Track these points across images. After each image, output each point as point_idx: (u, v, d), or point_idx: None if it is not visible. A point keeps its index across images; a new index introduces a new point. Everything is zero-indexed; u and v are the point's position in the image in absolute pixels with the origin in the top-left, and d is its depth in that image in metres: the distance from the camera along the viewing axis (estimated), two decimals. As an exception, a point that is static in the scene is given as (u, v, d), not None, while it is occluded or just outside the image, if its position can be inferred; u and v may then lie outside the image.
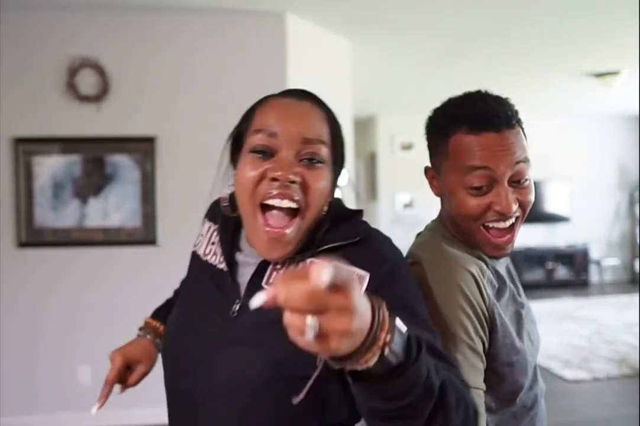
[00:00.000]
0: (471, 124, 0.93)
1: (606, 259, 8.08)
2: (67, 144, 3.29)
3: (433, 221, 1.14)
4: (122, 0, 3.20)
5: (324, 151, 0.83)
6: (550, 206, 8.08)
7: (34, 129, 3.28)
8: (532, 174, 0.98)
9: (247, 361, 0.79)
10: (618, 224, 8.34)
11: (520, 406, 1.00)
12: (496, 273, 1.01)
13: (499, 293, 0.99)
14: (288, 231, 0.81)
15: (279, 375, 0.76)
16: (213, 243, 0.95)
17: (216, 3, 3.26)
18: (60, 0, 3.18)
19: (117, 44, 3.33)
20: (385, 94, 6.41)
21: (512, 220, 0.96)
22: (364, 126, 8.09)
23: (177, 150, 3.37)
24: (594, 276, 8.13)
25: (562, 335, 5.22)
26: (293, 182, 0.79)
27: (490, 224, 0.95)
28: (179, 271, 3.39)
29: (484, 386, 0.91)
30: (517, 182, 0.94)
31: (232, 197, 0.93)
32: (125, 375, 1.07)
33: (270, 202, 0.81)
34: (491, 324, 0.93)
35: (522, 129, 0.97)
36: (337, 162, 0.88)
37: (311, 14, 3.49)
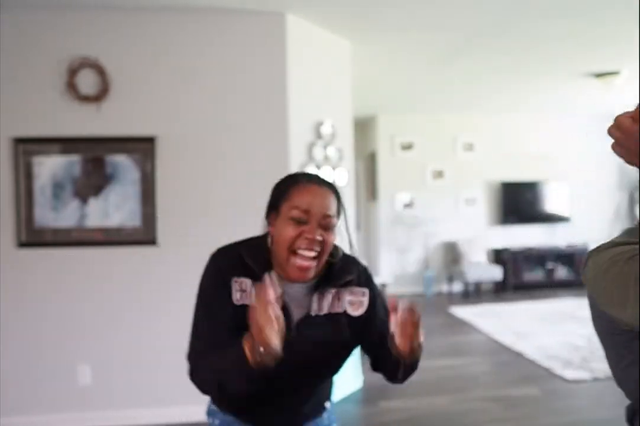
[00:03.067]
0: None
1: (606, 259, 8.07)
2: (67, 144, 3.28)
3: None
4: (122, 0, 3.20)
5: (334, 221, 1.30)
6: (550, 206, 8.08)
7: (34, 129, 3.28)
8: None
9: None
10: (618, 224, 8.34)
11: None
12: None
13: None
14: (311, 266, 1.28)
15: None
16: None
17: (216, 3, 3.26)
18: (60, 0, 3.18)
19: (117, 44, 3.33)
20: (385, 94, 6.41)
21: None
22: (364, 126, 8.09)
23: (177, 150, 3.37)
24: (594, 276, 8.12)
25: (562, 335, 5.22)
26: (318, 240, 1.26)
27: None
28: (179, 270, 3.43)
29: None
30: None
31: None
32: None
33: (301, 252, 1.26)
34: None
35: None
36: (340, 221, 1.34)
37: (311, 14, 3.49)
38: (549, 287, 7.85)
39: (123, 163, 3.31)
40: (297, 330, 1.30)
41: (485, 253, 7.76)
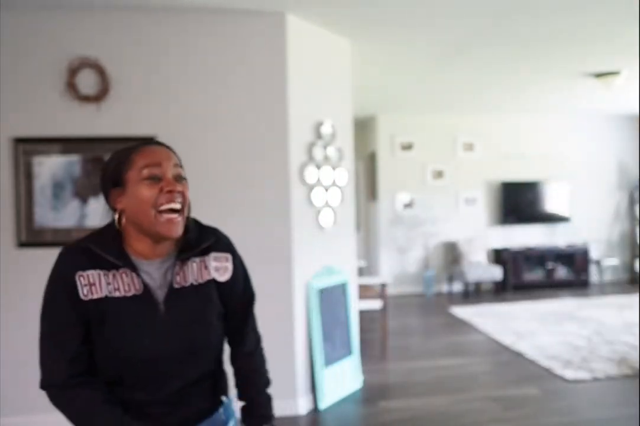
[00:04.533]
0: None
1: (606, 259, 8.09)
2: (67, 144, 3.29)
3: None
4: (122, 0, 3.20)
5: (184, 172, 1.32)
6: (550, 206, 8.08)
7: (34, 129, 3.28)
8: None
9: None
10: (618, 224, 8.35)
11: None
12: None
13: None
14: (179, 219, 1.26)
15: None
16: (109, 283, 1.25)
17: (216, 3, 3.26)
18: (60, 0, 3.18)
19: (117, 44, 3.33)
20: (385, 94, 6.41)
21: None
22: (364, 126, 8.09)
23: (176, 150, 3.36)
24: (594, 276, 8.13)
25: (562, 335, 5.22)
26: (179, 191, 1.26)
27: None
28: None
29: None
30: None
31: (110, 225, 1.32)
32: None
33: (166, 206, 1.24)
34: None
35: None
36: None
37: (311, 14, 3.49)
38: (549, 287, 7.85)
39: (123, 163, 3.31)
40: (165, 307, 1.27)
41: (485, 253, 7.76)
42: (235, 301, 1.40)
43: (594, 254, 8.13)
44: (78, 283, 1.23)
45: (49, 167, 3.27)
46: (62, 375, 1.25)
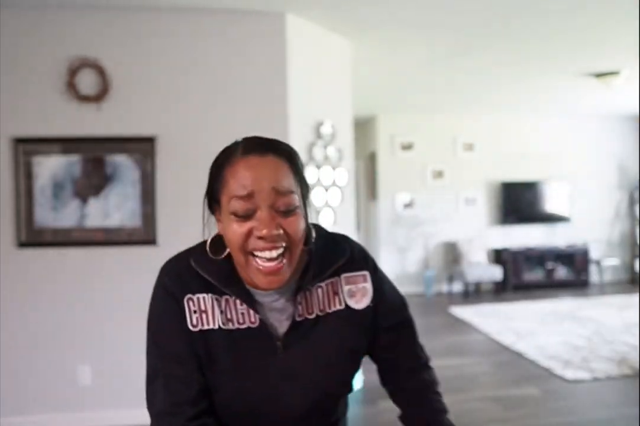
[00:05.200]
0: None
1: (606, 259, 8.09)
2: (67, 144, 3.29)
3: None
4: (122, 0, 3.20)
5: (295, 199, 0.94)
6: (550, 206, 8.08)
7: (34, 129, 3.28)
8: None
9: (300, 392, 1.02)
10: (618, 224, 8.34)
11: None
12: None
13: None
14: (279, 267, 0.95)
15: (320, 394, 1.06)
16: (222, 311, 1.01)
17: (216, 3, 3.26)
18: (60, 0, 3.18)
19: (117, 44, 3.33)
20: (385, 94, 6.41)
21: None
22: (364, 126, 8.09)
23: (177, 150, 3.37)
24: (594, 276, 8.13)
25: (562, 335, 5.22)
26: (276, 235, 0.92)
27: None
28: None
29: None
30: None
31: (213, 242, 1.03)
32: None
33: (260, 254, 0.93)
34: None
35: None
36: (306, 198, 1.01)
37: (311, 14, 3.49)
38: (549, 287, 7.85)
39: (123, 163, 3.31)
40: (283, 344, 1.01)
41: (485, 253, 7.76)
42: (381, 331, 1.11)
43: (594, 254, 8.13)
44: (187, 308, 0.99)
45: (49, 167, 3.27)
46: (184, 420, 0.96)
